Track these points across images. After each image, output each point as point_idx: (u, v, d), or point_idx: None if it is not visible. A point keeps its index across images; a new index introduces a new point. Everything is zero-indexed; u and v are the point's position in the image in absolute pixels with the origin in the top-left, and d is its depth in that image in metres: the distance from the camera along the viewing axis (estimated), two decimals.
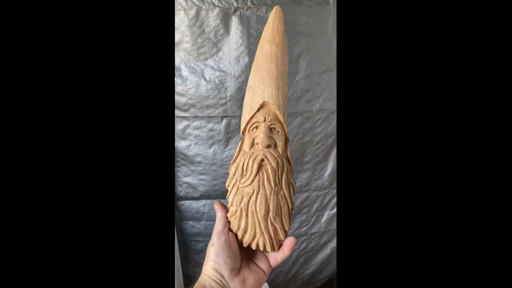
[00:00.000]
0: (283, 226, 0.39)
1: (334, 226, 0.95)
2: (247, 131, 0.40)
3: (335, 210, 0.92)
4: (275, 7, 0.40)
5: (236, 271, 0.38)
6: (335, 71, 0.77)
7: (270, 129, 0.38)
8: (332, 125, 0.81)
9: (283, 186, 0.38)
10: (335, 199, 0.91)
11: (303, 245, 0.95)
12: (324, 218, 0.93)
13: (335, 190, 0.90)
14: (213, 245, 0.37)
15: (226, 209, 0.41)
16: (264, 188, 0.37)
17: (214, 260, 0.36)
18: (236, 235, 0.39)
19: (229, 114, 0.75)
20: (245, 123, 0.39)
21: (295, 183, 0.41)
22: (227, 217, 0.40)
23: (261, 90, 0.38)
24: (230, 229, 0.40)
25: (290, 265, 0.97)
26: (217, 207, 0.41)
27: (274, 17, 0.40)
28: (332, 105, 0.79)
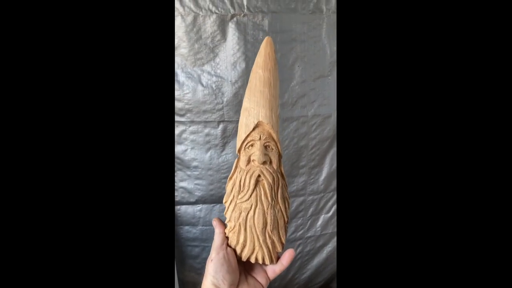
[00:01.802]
0: (280, 238, 0.41)
1: (329, 230, 0.95)
2: (243, 149, 0.42)
3: (330, 213, 0.93)
4: (266, 38, 0.44)
5: (234, 286, 0.38)
6: (329, 77, 0.79)
7: (265, 147, 0.41)
8: (327, 129, 0.82)
9: (279, 201, 0.40)
10: (330, 203, 0.92)
11: (299, 249, 0.96)
12: (320, 221, 0.94)
13: (331, 194, 0.91)
14: (212, 260, 0.38)
15: (224, 225, 0.42)
16: (262, 202, 0.39)
17: (213, 276, 0.37)
18: (235, 250, 0.41)
19: (225, 119, 0.76)
20: (241, 141, 0.42)
21: (289, 198, 0.43)
22: (225, 233, 0.41)
23: (256, 111, 0.41)
24: (228, 245, 0.41)
25: (287, 269, 0.97)
26: (215, 223, 0.42)
27: (266, 46, 0.43)
28: (327, 110, 0.81)
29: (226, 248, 0.40)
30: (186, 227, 0.87)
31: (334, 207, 0.93)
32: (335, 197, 0.92)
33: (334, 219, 0.94)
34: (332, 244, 0.98)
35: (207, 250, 0.89)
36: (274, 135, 0.41)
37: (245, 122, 0.42)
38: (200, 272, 0.92)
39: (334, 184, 0.90)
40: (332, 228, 0.95)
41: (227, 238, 0.41)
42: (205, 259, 0.97)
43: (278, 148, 0.42)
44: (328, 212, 0.93)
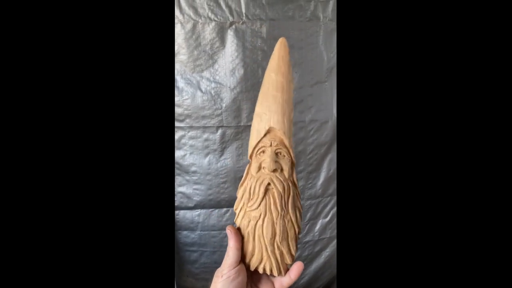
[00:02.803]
0: (289, 250, 0.39)
1: (327, 234, 0.96)
2: (254, 155, 0.40)
3: (328, 218, 0.94)
4: (280, 39, 0.42)
5: None
6: (326, 83, 0.80)
7: (276, 154, 0.39)
8: (324, 134, 0.83)
9: (290, 210, 0.39)
10: (328, 207, 0.93)
11: (297, 254, 0.96)
12: (318, 226, 0.94)
13: (328, 199, 0.91)
14: (222, 276, 0.36)
15: (239, 236, 0.39)
16: (271, 212, 0.38)
17: None
18: (243, 258, 0.39)
19: (224, 125, 0.77)
20: (252, 147, 0.40)
21: (301, 207, 0.42)
22: (240, 247, 0.39)
23: (267, 117, 0.40)
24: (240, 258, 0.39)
25: None
26: (230, 233, 0.38)
27: (279, 48, 0.42)
28: (324, 115, 0.82)
29: (239, 264, 0.37)
30: (185, 232, 0.88)
31: (332, 212, 0.94)
32: (332, 202, 0.92)
33: (332, 224, 0.95)
34: (330, 249, 0.98)
35: (205, 255, 0.89)
36: (286, 142, 0.40)
37: (257, 128, 0.41)
38: (198, 277, 0.91)
39: (331, 188, 0.91)
40: (330, 232, 0.96)
41: (240, 251, 0.39)
42: (204, 264, 0.96)
43: (290, 155, 0.40)
44: (326, 216, 0.94)
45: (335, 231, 0.96)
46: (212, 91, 0.74)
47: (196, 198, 0.84)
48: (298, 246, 0.94)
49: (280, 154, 0.40)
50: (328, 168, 0.87)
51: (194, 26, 0.70)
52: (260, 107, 0.42)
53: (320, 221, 0.94)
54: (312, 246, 0.96)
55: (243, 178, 0.41)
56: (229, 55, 0.72)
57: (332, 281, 1.04)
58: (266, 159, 0.39)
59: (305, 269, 0.98)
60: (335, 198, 0.92)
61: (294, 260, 0.40)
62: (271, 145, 0.39)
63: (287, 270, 0.40)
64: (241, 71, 0.73)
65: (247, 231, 0.38)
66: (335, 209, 0.93)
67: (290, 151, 0.40)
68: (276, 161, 0.39)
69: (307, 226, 0.93)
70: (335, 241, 0.97)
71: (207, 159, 0.80)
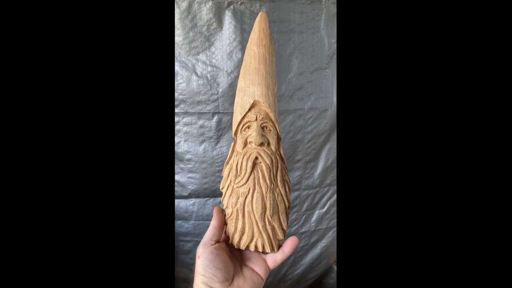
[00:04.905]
0: (281, 225, 0.39)
1: (324, 225, 0.95)
2: (239, 131, 0.40)
3: (325, 209, 0.92)
4: (260, 13, 0.42)
5: (228, 281, 0.36)
6: (327, 70, 0.77)
7: (262, 128, 0.39)
8: (323, 123, 0.81)
9: (279, 184, 0.38)
10: (325, 198, 0.91)
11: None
12: (314, 217, 0.93)
13: (326, 189, 0.90)
14: (199, 257, 0.35)
15: (222, 216, 0.39)
16: (260, 186, 0.37)
17: (203, 275, 0.34)
18: (232, 238, 0.38)
19: (220, 111, 0.74)
20: (237, 123, 0.40)
21: (290, 181, 0.41)
22: (220, 227, 0.38)
23: (251, 90, 0.39)
24: (221, 239, 0.38)
25: (280, 265, 0.96)
26: (214, 212, 0.39)
27: (260, 21, 0.42)
28: (324, 103, 0.79)
29: (215, 242, 0.37)
30: (179, 222, 0.85)
31: (329, 203, 0.92)
32: (330, 192, 0.91)
33: (329, 215, 0.94)
34: (326, 239, 0.97)
35: None
36: (272, 115, 0.39)
37: (241, 103, 0.40)
38: (192, 268, 0.90)
39: (329, 179, 0.89)
40: (327, 223, 0.95)
41: (224, 227, 0.39)
42: None
43: (276, 128, 0.40)
44: (322, 207, 0.92)
45: (332, 221, 0.94)
46: (208, 75, 0.71)
47: (191, 187, 0.82)
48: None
49: (266, 128, 0.39)
50: (326, 158, 0.85)
51: (190, 5, 0.66)
52: (243, 82, 0.41)
53: (317, 211, 0.92)
54: (308, 237, 0.95)
55: (228, 157, 0.40)
56: (227, 38, 0.69)
57: (328, 272, 1.04)
58: (252, 133, 0.38)
59: (300, 260, 0.98)
60: (332, 188, 0.90)
61: (286, 235, 0.39)
62: (256, 119, 0.39)
63: (279, 246, 0.39)
64: (239, 55, 0.69)
65: (235, 208, 0.38)
66: (332, 199, 0.92)
67: (276, 124, 0.40)
68: (262, 135, 0.38)
69: (304, 217, 0.92)
70: (331, 232, 0.96)
71: (202, 146, 0.77)
